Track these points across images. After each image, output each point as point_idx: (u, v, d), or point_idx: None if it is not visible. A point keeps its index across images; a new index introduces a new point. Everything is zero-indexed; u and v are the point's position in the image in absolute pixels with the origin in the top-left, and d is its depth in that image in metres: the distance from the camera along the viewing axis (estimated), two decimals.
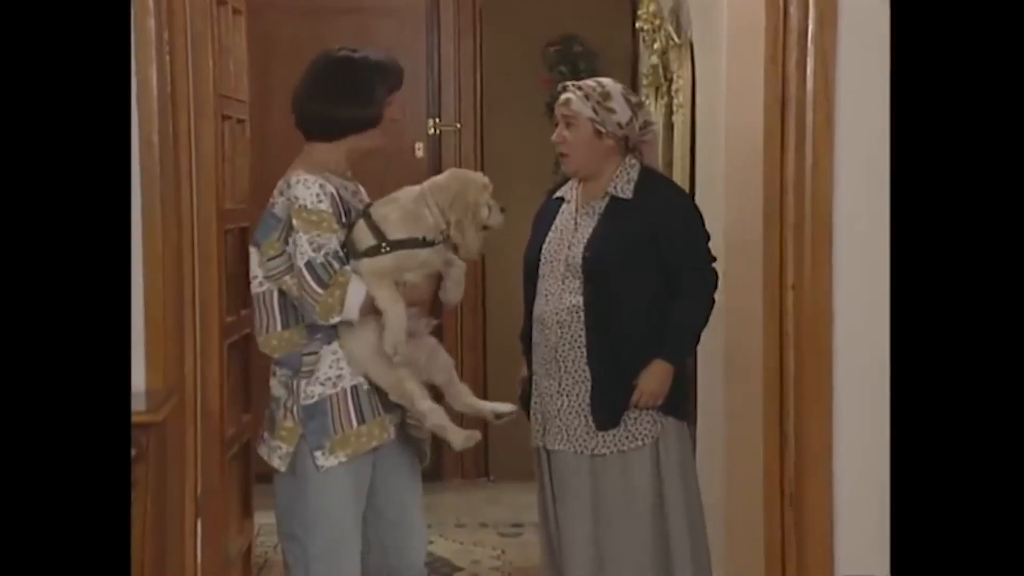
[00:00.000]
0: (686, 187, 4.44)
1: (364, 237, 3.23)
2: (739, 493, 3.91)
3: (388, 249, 3.21)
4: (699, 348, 4.23)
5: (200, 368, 3.50)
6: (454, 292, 3.32)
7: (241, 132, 3.99)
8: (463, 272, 3.32)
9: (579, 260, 3.56)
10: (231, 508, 3.77)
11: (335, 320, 3.18)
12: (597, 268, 3.54)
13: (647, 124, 3.67)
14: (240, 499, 3.91)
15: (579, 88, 3.63)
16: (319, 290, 3.15)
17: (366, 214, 3.27)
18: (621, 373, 3.52)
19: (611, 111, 3.60)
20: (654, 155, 3.76)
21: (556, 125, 3.68)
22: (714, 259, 3.63)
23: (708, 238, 3.64)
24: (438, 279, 3.32)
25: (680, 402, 3.61)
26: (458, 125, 6.03)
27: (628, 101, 3.63)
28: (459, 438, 3.28)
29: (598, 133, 3.61)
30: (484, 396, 5.71)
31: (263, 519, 3.99)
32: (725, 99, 4.04)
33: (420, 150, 5.95)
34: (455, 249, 3.30)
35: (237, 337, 3.83)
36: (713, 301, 3.61)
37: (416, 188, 3.32)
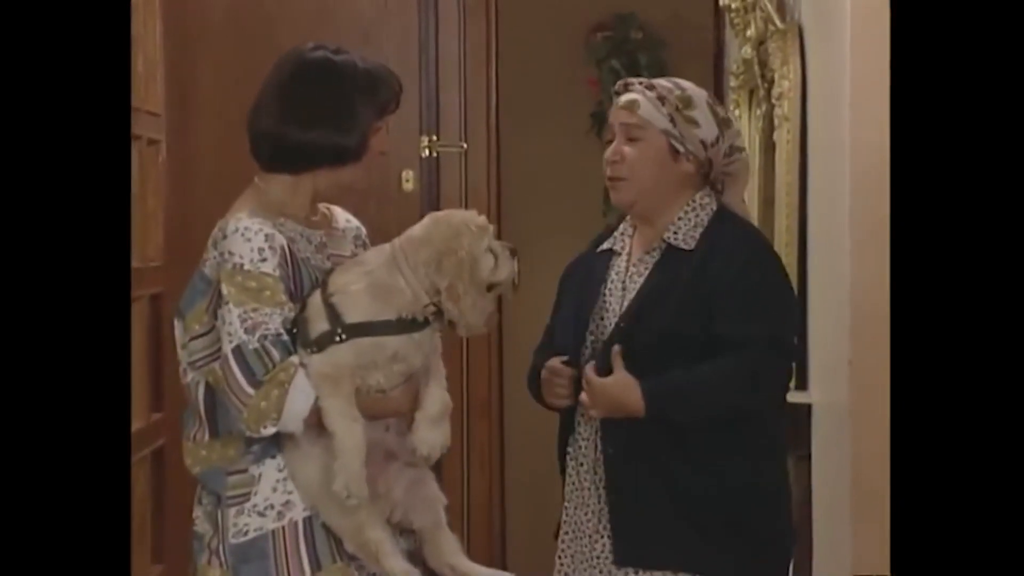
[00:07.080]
0: (794, 235, 4.45)
1: (316, 319, 3.19)
2: None
3: (344, 337, 3.18)
4: (813, 471, 4.18)
5: None
6: (430, 434, 3.27)
7: (154, 157, 4.04)
8: (445, 400, 3.28)
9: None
10: None
11: (268, 432, 3.19)
12: (632, 345, 3.54)
13: (734, 150, 3.69)
14: None
15: (650, 87, 3.64)
16: (248, 389, 3.15)
17: (324, 285, 3.25)
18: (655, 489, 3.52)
19: (694, 123, 3.61)
20: (738, 193, 3.76)
21: (608, 141, 3.70)
22: (792, 347, 3.64)
23: (793, 320, 3.68)
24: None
25: (770, 549, 3.62)
26: (463, 145, 6.06)
27: (715, 114, 3.66)
28: None
29: (674, 153, 3.63)
30: (501, 539, 5.77)
31: None
32: (849, 109, 4.06)
33: (409, 180, 5.97)
34: (452, 327, 3.27)
35: (147, 452, 3.86)
36: (759, 395, 3.55)
37: (387, 247, 3.29)
